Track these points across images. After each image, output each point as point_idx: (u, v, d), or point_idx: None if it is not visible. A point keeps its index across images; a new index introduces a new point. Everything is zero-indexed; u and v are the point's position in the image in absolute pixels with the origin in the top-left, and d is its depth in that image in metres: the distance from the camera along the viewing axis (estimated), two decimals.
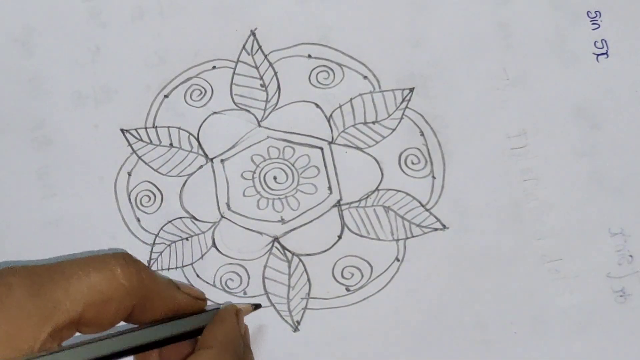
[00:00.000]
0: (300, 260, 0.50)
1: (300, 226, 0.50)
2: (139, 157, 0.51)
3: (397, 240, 0.50)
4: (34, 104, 0.52)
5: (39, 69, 0.52)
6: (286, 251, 0.50)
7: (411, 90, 0.52)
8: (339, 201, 0.51)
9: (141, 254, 0.50)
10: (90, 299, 0.36)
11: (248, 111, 0.52)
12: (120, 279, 0.37)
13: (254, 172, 0.51)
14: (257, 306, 0.47)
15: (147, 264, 0.50)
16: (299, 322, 0.49)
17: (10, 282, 0.35)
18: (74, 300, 0.36)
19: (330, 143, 0.51)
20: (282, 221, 0.50)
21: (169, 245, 0.50)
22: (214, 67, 0.52)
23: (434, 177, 0.51)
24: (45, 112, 0.52)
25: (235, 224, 0.50)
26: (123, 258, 0.38)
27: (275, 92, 0.52)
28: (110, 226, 0.50)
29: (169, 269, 0.50)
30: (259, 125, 0.52)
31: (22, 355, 0.34)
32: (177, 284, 0.42)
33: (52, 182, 0.51)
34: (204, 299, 0.44)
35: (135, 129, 0.52)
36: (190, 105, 0.52)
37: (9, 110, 0.52)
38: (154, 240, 0.50)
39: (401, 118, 0.52)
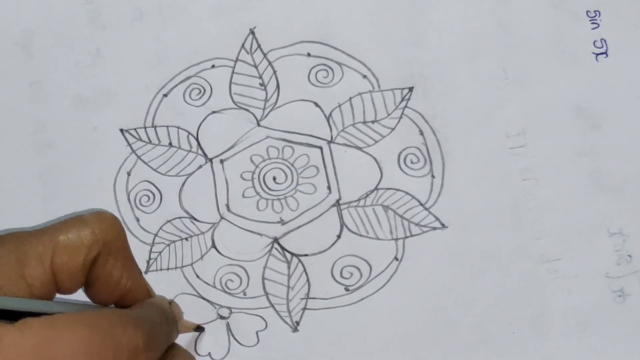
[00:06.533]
0: (300, 260, 0.50)
1: (300, 226, 0.50)
2: (138, 157, 0.51)
3: (396, 239, 0.50)
4: (34, 107, 0.52)
5: (39, 72, 0.52)
6: (285, 252, 0.50)
7: (410, 89, 0.52)
8: (338, 201, 0.51)
9: (140, 254, 0.50)
10: (59, 241, 0.38)
11: (247, 110, 0.52)
12: (92, 227, 0.39)
13: (254, 173, 0.51)
14: (199, 328, 0.49)
15: (146, 264, 0.50)
16: (298, 323, 0.49)
17: None
18: (45, 244, 0.38)
19: (329, 142, 0.51)
20: (282, 222, 0.50)
21: (168, 245, 0.50)
22: (213, 66, 0.52)
23: (433, 176, 0.51)
24: (46, 115, 0.52)
25: (235, 225, 0.50)
26: (104, 214, 0.40)
27: (275, 91, 0.52)
28: None
29: (168, 269, 0.50)
30: (258, 125, 0.52)
31: None
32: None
33: (52, 184, 0.51)
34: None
35: (135, 129, 0.52)
36: (189, 104, 0.52)
37: (10, 114, 0.52)
38: (153, 240, 0.50)
39: (400, 117, 0.52)
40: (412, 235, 0.50)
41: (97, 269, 0.39)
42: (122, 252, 0.40)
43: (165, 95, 0.52)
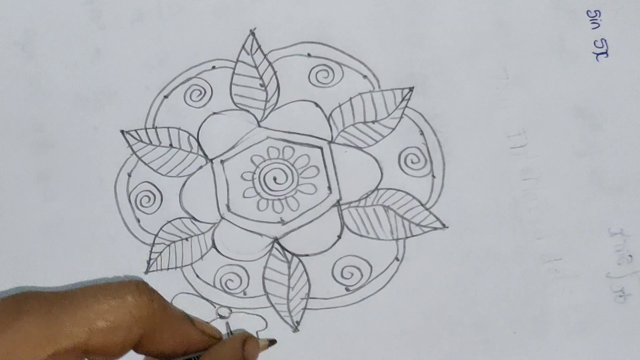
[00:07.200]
0: (300, 260, 0.50)
1: (300, 227, 0.50)
2: (139, 158, 0.51)
3: (397, 239, 0.50)
4: (34, 107, 0.52)
5: (39, 72, 0.52)
6: (286, 252, 0.50)
7: (411, 89, 0.52)
8: (338, 201, 0.51)
9: (141, 254, 0.50)
10: (96, 325, 0.36)
11: (248, 111, 0.52)
12: (129, 307, 0.37)
13: (254, 173, 0.51)
14: (272, 342, 0.48)
15: (146, 264, 0.50)
16: (298, 323, 0.49)
17: (22, 307, 0.36)
18: (80, 325, 0.36)
19: (329, 142, 0.51)
20: (282, 222, 0.50)
21: (169, 245, 0.50)
22: (213, 67, 0.52)
23: (433, 176, 0.51)
24: (46, 115, 0.52)
25: (235, 225, 0.50)
26: (136, 286, 0.38)
27: (275, 92, 0.52)
28: (110, 227, 0.51)
29: (168, 269, 0.50)
30: (259, 125, 0.52)
31: None
32: (193, 319, 0.42)
33: (52, 185, 0.51)
34: (219, 338, 0.44)
35: (135, 130, 0.52)
36: (189, 105, 0.52)
37: (9, 113, 0.52)
38: (154, 241, 0.50)
39: (401, 117, 0.52)
40: (412, 236, 0.50)
41: (144, 343, 0.38)
42: (165, 322, 0.39)
43: (165, 97, 0.52)
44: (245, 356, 0.42)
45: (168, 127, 0.52)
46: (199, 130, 0.52)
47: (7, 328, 0.35)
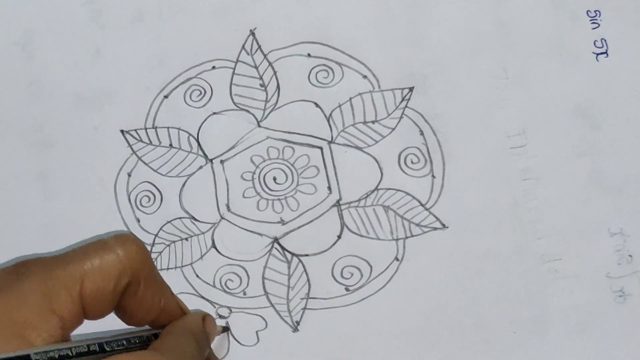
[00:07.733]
0: (300, 260, 0.50)
1: (300, 227, 0.50)
2: (139, 158, 0.51)
3: (397, 239, 0.50)
4: (34, 107, 0.52)
5: (39, 72, 0.52)
6: (286, 252, 0.50)
7: (411, 89, 0.52)
8: (338, 201, 0.51)
9: None
10: (87, 273, 0.37)
11: (247, 111, 0.52)
12: (119, 255, 0.38)
13: (254, 173, 0.51)
14: (225, 329, 0.49)
15: None
16: (298, 323, 0.49)
17: (21, 271, 0.37)
18: (73, 276, 0.37)
19: (329, 142, 0.51)
20: (282, 222, 0.50)
21: (169, 245, 0.50)
22: (213, 67, 0.52)
23: (433, 177, 0.51)
24: (46, 115, 0.52)
25: (235, 225, 0.50)
26: (128, 237, 0.39)
27: (275, 92, 0.52)
28: (110, 227, 0.50)
29: (168, 269, 0.50)
30: (259, 126, 0.52)
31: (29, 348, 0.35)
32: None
33: (52, 184, 0.51)
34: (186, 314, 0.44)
35: (135, 130, 0.52)
36: (189, 105, 0.52)
37: (9, 113, 0.52)
38: (154, 241, 0.50)
39: (401, 117, 0.52)
40: (412, 236, 0.50)
41: (128, 297, 0.39)
42: (151, 277, 0.40)
43: (165, 97, 0.52)
44: (207, 330, 0.43)
45: (168, 127, 0.52)
46: (199, 130, 0.52)
47: (6, 289, 0.36)
